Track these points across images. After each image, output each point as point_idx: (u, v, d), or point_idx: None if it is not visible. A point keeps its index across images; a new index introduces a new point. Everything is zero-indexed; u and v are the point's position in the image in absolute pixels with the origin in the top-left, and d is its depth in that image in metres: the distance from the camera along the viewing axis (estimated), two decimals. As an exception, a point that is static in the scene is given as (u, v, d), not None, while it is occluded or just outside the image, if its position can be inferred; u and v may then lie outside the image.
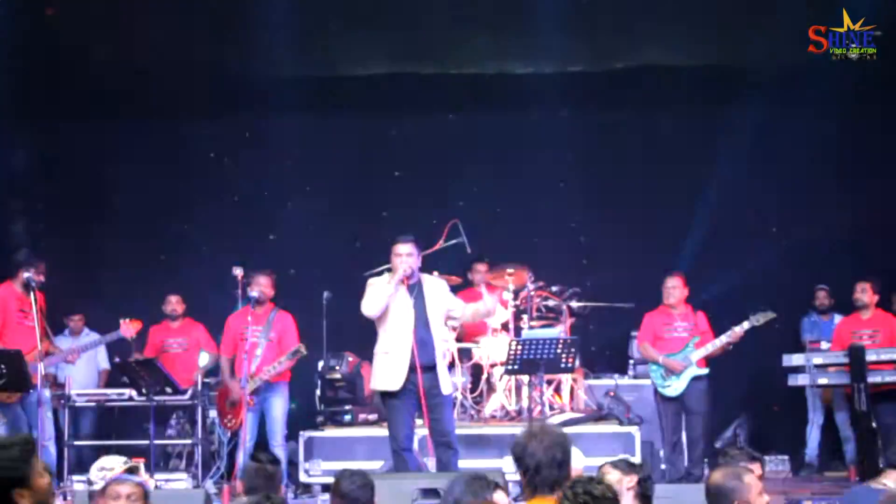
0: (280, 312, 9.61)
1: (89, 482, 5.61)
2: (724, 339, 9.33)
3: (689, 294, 9.73)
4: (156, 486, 9.07)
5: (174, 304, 10.61)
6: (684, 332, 9.52)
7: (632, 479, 5.10)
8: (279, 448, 9.35)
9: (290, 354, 9.35)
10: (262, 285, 9.47)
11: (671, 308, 9.61)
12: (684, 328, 9.54)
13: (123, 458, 4.84)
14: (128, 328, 9.54)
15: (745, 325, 9.30)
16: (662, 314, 9.67)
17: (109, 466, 5.56)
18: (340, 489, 5.14)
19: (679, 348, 9.43)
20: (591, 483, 3.94)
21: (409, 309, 8.04)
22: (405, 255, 8.05)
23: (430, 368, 8.02)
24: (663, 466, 9.51)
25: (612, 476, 5.08)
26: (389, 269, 8.22)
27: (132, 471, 4.77)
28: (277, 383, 9.44)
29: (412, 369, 7.95)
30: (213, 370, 10.30)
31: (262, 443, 9.42)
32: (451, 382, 8.47)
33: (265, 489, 5.45)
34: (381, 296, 8.03)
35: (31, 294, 8.82)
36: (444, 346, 8.37)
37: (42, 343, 8.86)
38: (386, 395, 8.15)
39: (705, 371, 9.39)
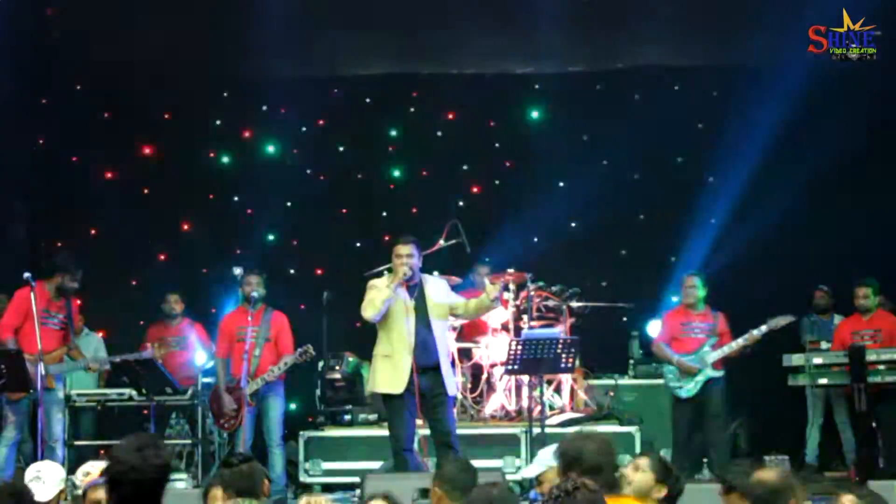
0: (275, 312, 9.59)
1: (73, 486, 5.59)
2: (740, 341, 9.28)
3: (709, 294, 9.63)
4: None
5: (172, 303, 10.60)
6: (701, 334, 9.45)
7: (662, 490, 5.05)
8: (276, 447, 9.34)
9: (299, 355, 9.31)
10: (252, 285, 9.45)
11: (690, 308, 9.57)
12: (702, 329, 9.47)
13: (104, 463, 4.79)
14: (154, 353, 9.52)
15: (763, 328, 9.25)
16: (681, 314, 9.61)
17: (87, 471, 5.51)
18: (444, 474, 5.14)
19: (695, 349, 9.40)
20: (564, 482, 3.96)
21: (409, 310, 7.99)
22: (405, 256, 8.00)
23: (432, 369, 7.99)
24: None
25: (645, 475, 5.03)
26: (390, 270, 8.19)
27: None
28: (274, 383, 9.42)
29: (414, 371, 7.94)
30: (211, 370, 10.29)
31: (258, 443, 9.42)
32: (456, 383, 8.44)
33: (250, 489, 5.38)
34: (380, 300, 7.98)
35: (32, 294, 8.80)
36: (448, 346, 8.34)
37: (62, 346, 9.04)
38: (387, 396, 8.13)
39: (720, 373, 9.34)
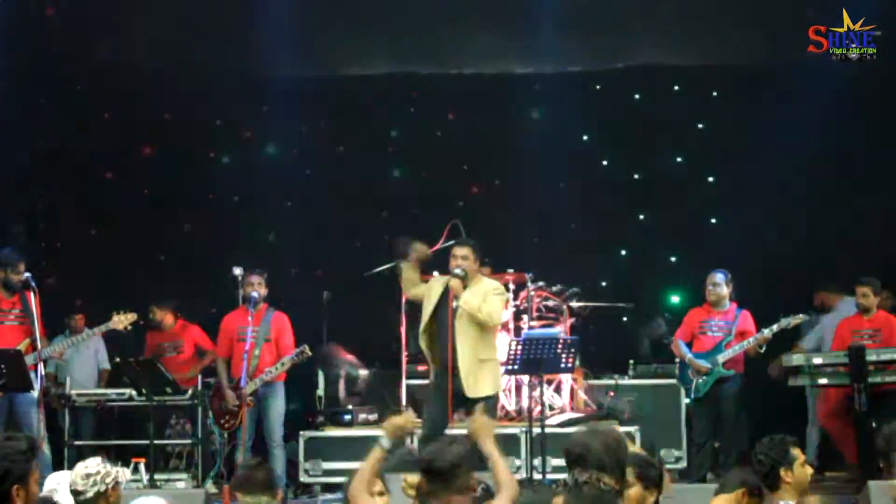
0: (276, 313, 9.59)
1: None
2: (751, 341, 9.28)
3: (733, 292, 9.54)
4: (155, 486, 9.10)
5: (151, 314, 10.61)
6: (718, 332, 9.41)
7: (653, 495, 4.99)
8: (277, 448, 9.34)
9: (295, 355, 9.32)
10: (254, 285, 9.44)
11: (712, 306, 9.56)
12: (719, 328, 9.43)
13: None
14: (120, 320, 9.40)
15: (775, 327, 9.25)
16: (703, 311, 9.59)
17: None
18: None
19: (710, 347, 9.40)
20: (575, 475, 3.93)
21: (445, 315, 8.16)
22: (460, 257, 8.19)
23: (459, 370, 8.06)
24: (673, 466, 9.49)
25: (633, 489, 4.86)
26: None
27: None
28: (274, 383, 9.42)
29: (444, 370, 8.08)
30: (211, 370, 10.28)
31: (258, 443, 9.42)
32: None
33: (265, 492, 5.43)
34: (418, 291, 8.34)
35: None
36: (477, 348, 8.23)
37: (25, 339, 8.87)
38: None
39: (731, 373, 9.32)
